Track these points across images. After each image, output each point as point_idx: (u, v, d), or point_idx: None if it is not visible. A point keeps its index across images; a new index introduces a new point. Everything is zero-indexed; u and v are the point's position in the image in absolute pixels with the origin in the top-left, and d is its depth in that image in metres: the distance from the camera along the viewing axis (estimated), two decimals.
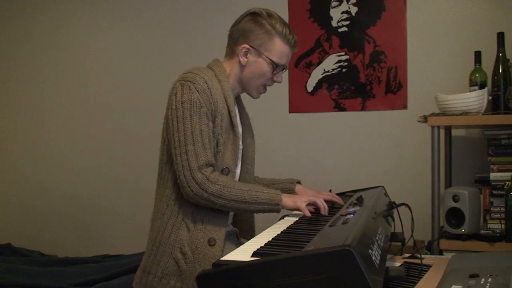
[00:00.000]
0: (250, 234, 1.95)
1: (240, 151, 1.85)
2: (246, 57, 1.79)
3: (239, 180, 1.88)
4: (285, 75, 3.07)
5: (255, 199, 1.67)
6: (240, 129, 1.85)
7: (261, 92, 1.86)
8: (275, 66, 1.79)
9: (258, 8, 1.81)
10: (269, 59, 1.78)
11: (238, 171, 1.85)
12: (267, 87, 1.88)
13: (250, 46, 1.78)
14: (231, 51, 1.83)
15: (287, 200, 1.72)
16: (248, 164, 1.91)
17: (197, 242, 1.68)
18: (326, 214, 1.74)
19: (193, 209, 1.71)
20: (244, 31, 1.79)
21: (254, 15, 1.79)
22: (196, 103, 1.67)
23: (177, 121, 1.68)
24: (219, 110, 1.71)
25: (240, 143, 1.84)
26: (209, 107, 1.69)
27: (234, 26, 1.83)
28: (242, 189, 1.68)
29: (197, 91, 1.67)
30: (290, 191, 1.99)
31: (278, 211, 1.72)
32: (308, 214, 1.72)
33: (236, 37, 1.80)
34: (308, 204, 1.75)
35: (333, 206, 1.85)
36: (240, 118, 1.90)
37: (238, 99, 1.93)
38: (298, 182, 2.04)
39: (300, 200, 1.73)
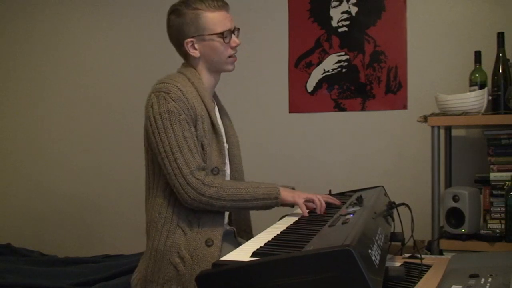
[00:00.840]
0: (247, 232, 1.94)
1: (226, 150, 1.84)
2: (196, 49, 1.78)
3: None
4: (285, 75, 3.09)
5: (253, 195, 1.67)
6: (222, 129, 1.84)
7: (233, 62, 1.83)
8: (223, 36, 1.77)
9: (173, 5, 1.82)
10: (212, 34, 1.76)
11: (228, 171, 1.85)
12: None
13: (190, 38, 1.77)
14: (183, 54, 1.84)
15: (285, 194, 1.72)
16: (235, 163, 1.90)
17: (194, 244, 1.67)
18: (322, 213, 1.74)
19: (187, 213, 1.71)
20: (177, 30, 1.80)
21: (174, 12, 1.81)
22: (174, 112, 1.67)
23: (158, 132, 1.68)
24: (198, 113, 1.71)
25: (225, 141, 1.83)
26: (188, 113, 1.69)
27: (168, 35, 1.85)
28: (239, 187, 1.68)
29: (172, 100, 1.67)
30: None
31: (277, 205, 1.71)
32: (305, 210, 1.72)
33: (176, 40, 1.81)
34: (306, 201, 1.75)
35: (329, 206, 1.85)
36: (221, 117, 1.89)
37: (216, 99, 1.92)
38: (293, 189, 2.04)
39: (298, 196, 1.73)
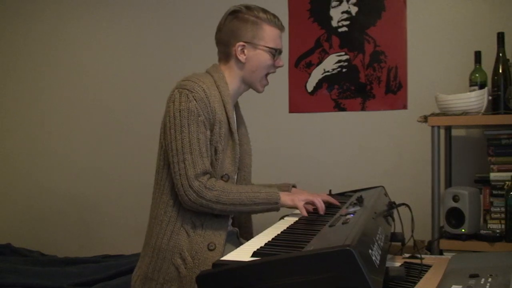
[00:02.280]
0: (247, 239, 1.94)
1: (238, 158, 1.85)
2: (244, 54, 1.80)
3: None
4: (285, 75, 3.09)
5: (253, 200, 1.68)
6: (237, 136, 1.85)
7: (265, 85, 1.87)
8: (274, 52, 1.81)
9: (234, 6, 1.83)
10: (267, 47, 1.80)
11: (235, 178, 1.85)
12: (269, 83, 1.90)
13: (244, 42, 1.79)
14: (225, 55, 1.84)
15: (285, 198, 1.72)
16: (245, 172, 1.91)
17: (196, 247, 1.68)
18: (323, 213, 1.74)
19: (191, 215, 1.71)
20: (232, 31, 1.80)
21: (234, 13, 1.81)
22: (193, 112, 1.67)
23: (174, 129, 1.68)
24: (218, 118, 1.71)
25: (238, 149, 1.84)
26: (207, 116, 1.69)
27: (219, 32, 1.84)
28: (240, 191, 1.68)
29: (195, 99, 1.68)
30: None
31: (277, 209, 1.72)
32: (305, 213, 1.73)
33: (227, 40, 1.81)
34: (306, 203, 1.76)
35: (329, 206, 1.85)
36: (237, 125, 1.90)
37: (236, 106, 1.93)
38: (294, 186, 2.04)
39: (298, 199, 1.74)
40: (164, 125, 1.74)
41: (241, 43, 1.79)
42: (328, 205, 1.84)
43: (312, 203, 1.77)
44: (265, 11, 1.82)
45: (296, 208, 1.75)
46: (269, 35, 1.80)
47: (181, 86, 1.72)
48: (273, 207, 1.71)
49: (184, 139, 1.66)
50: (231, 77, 1.82)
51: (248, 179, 1.94)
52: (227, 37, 1.81)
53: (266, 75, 1.86)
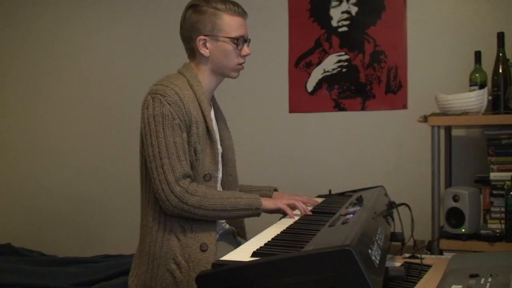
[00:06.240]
0: (241, 236, 1.95)
1: (220, 155, 1.83)
2: (207, 48, 1.76)
3: (222, 183, 1.87)
4: (285, 75, 3.09)
5: (235, 206, 1.68)
6: (217, 133, 1.83)
7: (239, 70, 1.82)
8: (236, 41, 1.77)
9: (192, 0, 1.79)
10: (227, 37, 1.75)
11: (220, 175, 1.84)
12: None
13: (204, 35, 1.75)
14: (191, 51, 1.81)
15: (267, 203, 1.73)
16: (229, 167, 1.89)
17: (189, 250, 1.67)
18: (309, 213, 1.76)
19: (179, 219, 1.70)
20: (192, 26, 1.76)
21: (193, 7, 1.77)
22: (168, 116, 1.65)
23: (150, 135, 1.66)
24: (194, 118, 1.69)
25: (219, 146, 1.82)
26: (182, 118, 1.67)
27: (181, 28, 1.81)
28: (222, 197, 1.68)
29: (168, 103, 1.66)
30: None
31: (258, 215, 1.73)
32: (291, 214, 1.74)
33: (188, 35, 1.78)
34: (288, 206, 1.77)
35: (329, 205, 1.86)
36: (216, 120, 1.88)
37: (213, 101, 1.91)
38: (276, 190, 2.04)
39: (280, 202, 1.76)
40: (141, 132, 1.73)
41: (202, 37, 1.75)
42: (324, 205, 1.85)
43: (294, 206, 1.78)
44: (223, 1, 1.76)
45: (279, 212, 1.76)
46: (229, 24, 1.75)
47: (154, 91, 1.70)
48: (254, 213, 1.71)
49: (161, 144, 1.64)
50: (202, 73, 1.79)
51: (234, 174, 1.92)
52: (188, 32, 1.78)
53: (238, 64, 1.80)
